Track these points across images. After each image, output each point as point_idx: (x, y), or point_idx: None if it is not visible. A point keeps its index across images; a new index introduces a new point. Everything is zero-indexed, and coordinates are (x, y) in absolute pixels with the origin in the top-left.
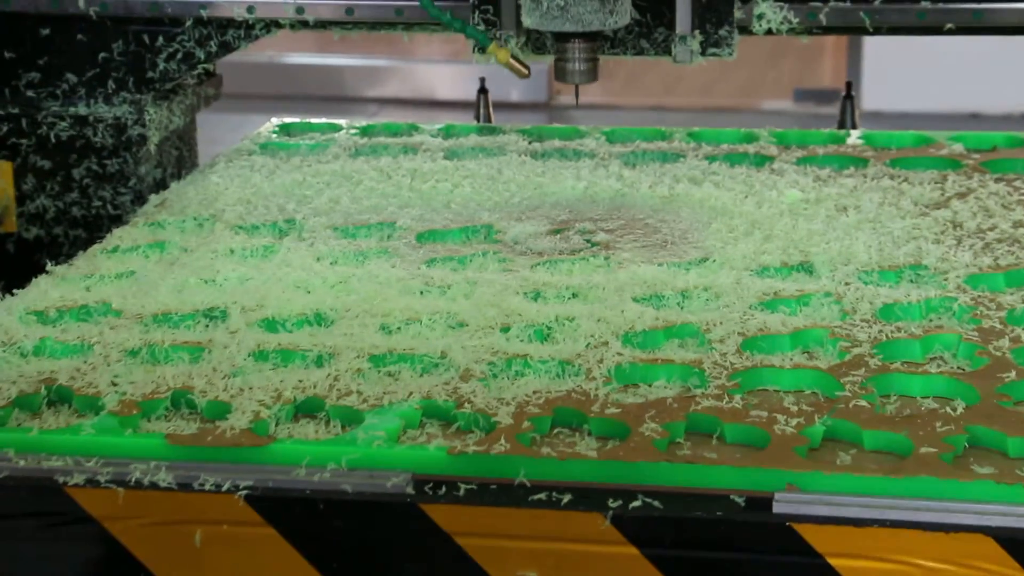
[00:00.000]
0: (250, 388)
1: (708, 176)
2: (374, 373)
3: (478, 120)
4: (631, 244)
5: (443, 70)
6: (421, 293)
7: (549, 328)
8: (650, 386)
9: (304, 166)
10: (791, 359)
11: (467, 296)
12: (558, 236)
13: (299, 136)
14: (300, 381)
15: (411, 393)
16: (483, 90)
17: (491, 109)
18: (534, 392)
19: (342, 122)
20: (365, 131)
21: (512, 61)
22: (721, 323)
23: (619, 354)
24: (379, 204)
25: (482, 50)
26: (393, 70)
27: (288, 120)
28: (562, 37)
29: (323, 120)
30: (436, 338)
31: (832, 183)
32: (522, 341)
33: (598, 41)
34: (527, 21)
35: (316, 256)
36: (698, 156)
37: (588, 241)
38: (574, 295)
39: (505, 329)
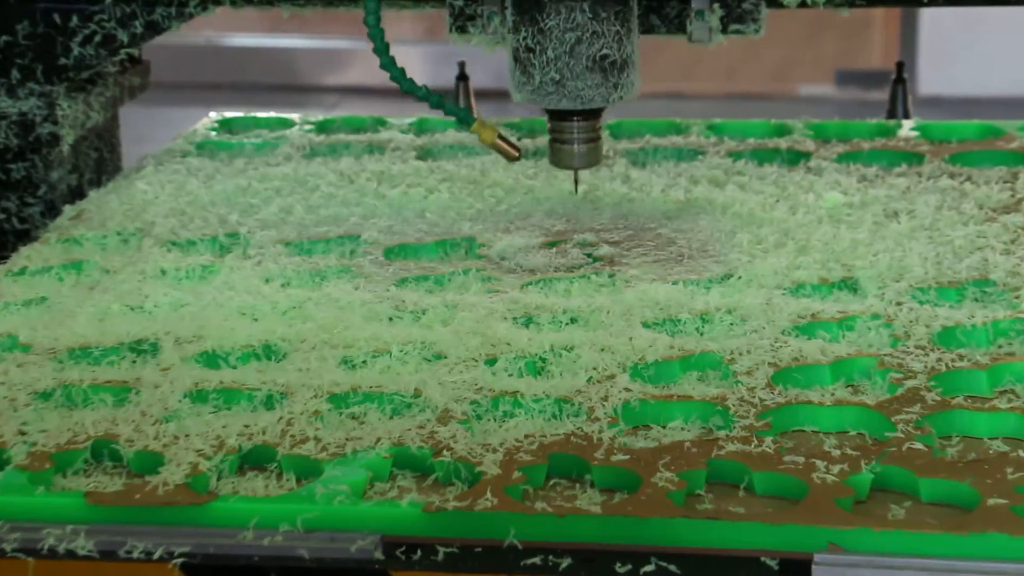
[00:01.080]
0: (186, 435)
1: (732, 177)
2: (335, 416)
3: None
4: (640, 259)
5: (415, 52)
6: (390, 320)
7: (543, 360)
8: (664, 427)
9: (249, 169)
10: (832, 394)
11: (445, 323)
12: (553, 250)
13: (243, 133)
14: (246, 426)
15: (379, 439)
16: (463, 76)
17: (473, 99)
18: (526, 436)
19: (294, 116)
20: (322, 127)
21: (499, 142)
22: (748, 352)
23: (627, 389)
24: (339, 214)
25: (467, 125)
26: (355, 53)
27: (230, 114)
28: (558, 115)
29: (272, 114)
30: (409, 373)
31: (880, 184)
32: (511, 375)
33: (600, 118)
34: (517, 97)
35: (264, 277)
36: (720, 153)
37: (589, 256)
38: (573, 320)
39: (491, 361)
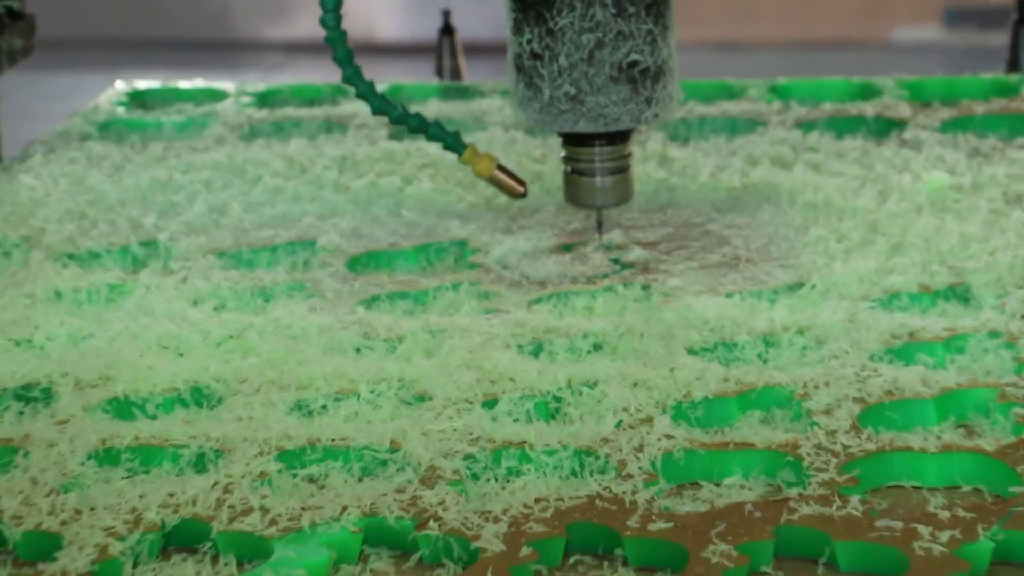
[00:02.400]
0: (92, 509)
1: (802, 155)
2: (287, 478)
3: (440, 76)
4: (683, 264)
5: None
6: (358, 351)
7: (558, 400)
8: (718, 485)
9: (170, 157)
10: (938, 437)
11: (429, 353)
12: (569, 255)
13: (161, 109)
14: (171, 495)
15: (346, 508)
16: (448, 29)
17: (461, 57)
18: (537, 500)
19: (227, 85)
20: (264, 98)
21: (499, 174)
22: (827, 384)
23: (668, 436)
24: (289, 213)
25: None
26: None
27: (143, 84)
28: (576, 139)
29: (198, 82)
30: (383, 420)
31: (998, 160)
32: (517, 421)
33: (629, 142)
34: (520, 117)
35: (192, 298)
36: (786, 123)
37: (616, 262)
38: (596, 347)
39: (490, 403)
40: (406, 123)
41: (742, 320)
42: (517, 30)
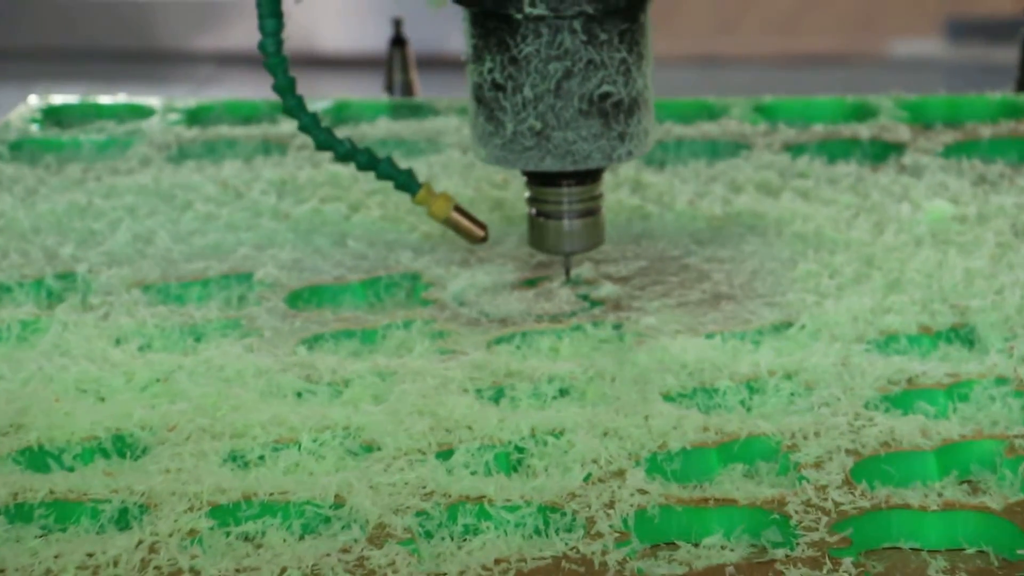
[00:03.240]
0: (1, 571)
1: (791, 181)
2: (219, 537)
3: (391, 91)
4: (659, 301)
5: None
6: (299, 396)
7: (521, 450)
8: (696, 546)
9: (90, 180)
10: (939, 494)
11: (378, 399)
12: (533, 291)
13: (79, 127)
14: (90, 555)
15: (285, 569)
16: (399, 40)
17: (413, 71)
18: (497, 562)
19: (153, 101)
20: (195, 115)
21: (456, 216)
22: (817, 434)
23: (641, 491)
24: (222, 243)
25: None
26: (239, 4)
27: (59, 99)
28: (541, 179)
29: (121, 97)
30: (326, 473)
31: (1006, 188)
32: (475, 473)
33: (600, 181)
34: (480, 155)
35: (114, 337)
36: (773, 146)
37: (585, 299)
38: (563, 392)
39: (445, 454)
40: (354, 160)
41: (724, 363)
42: (477, 58)
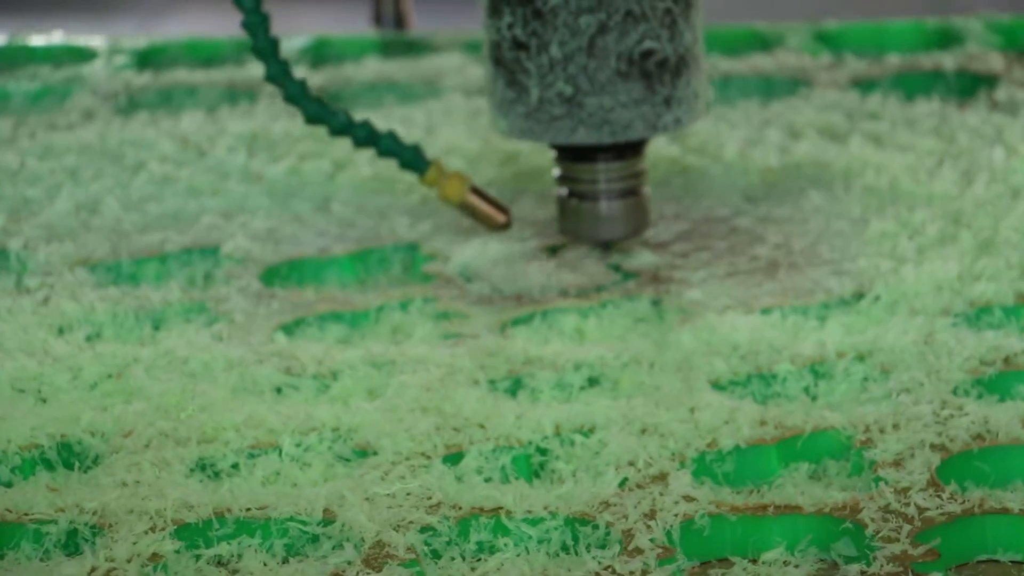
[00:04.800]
0: None
1: (859, 123)
2: (187, 561)
3: (378, 22)
4: (705, 271)
5: None
6: (278, 392)
7: (543, 452)
8: (754, 562)
9: (21, 137)
10: None
11: (373, 394)
12: (555, 260)
13: (8, 73)
14: None
15: None
16: None
17: None
18: None
19: (96, 40)
20: (146, 57)
21: (473, 199)
22: (896, 427)
23: (688, 498)
24: (183, 211)
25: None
26: None
27: None
28: (573, 153)
29: (57, 37)
30: (312, 483)
31: None
32: (489, 480)
33: (643, 155)
34: (500, 126)
35: (56, 325)
36: (838, 83)
37: (617, 269)
38: (592, 381)
39: (454, 458)
40: (351, 134)
41: (783, 344)
42: (494, 11)
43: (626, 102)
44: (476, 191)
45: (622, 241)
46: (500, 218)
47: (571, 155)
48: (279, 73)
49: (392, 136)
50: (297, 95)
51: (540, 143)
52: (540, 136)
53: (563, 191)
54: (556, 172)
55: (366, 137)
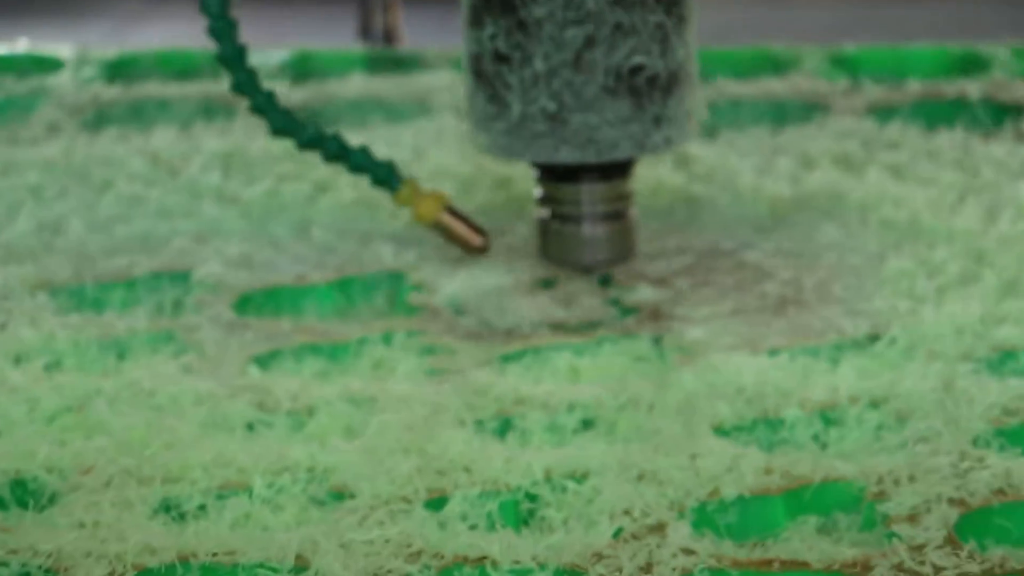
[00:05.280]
0: None
1: (878, 154)
2: None
3: (365, 36)
4: (709, 308)
5: None
6: (250, 428)
7: (533, 498)
8: None
9: None
10: None
11: (351, 433)
12: (550, 294)
13: None
14: None
15: None
16: None
17: (397, 10)
18: None
19: (63, 49)
20: (117, 68)
21: (448, 220)
22: (912, 479)
23: (687, 551)
24: (152, 233)
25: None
26: None
27: None
28: (556, 174)
29: (22, 45)
30: (285, 527)
31: None
32: (475, 528)
33: (630, 176)
34: (479, 141)
35: (13, 353)
36: (856, 109)
37: (615, 304)
38: (586, 424)
39: (437, 503)
40: (320, 148)
41: (792, 388)
42: (475, 21)
43: (613, 120)
44: (452, 211)
45: (607, 267)
46: (476, 240)
47: (554, 175)
48: (245, 82)
49: (364, 151)
50: (264, 105)
51: (521, 162)
52: (521, 154)
53: (545, 213)
54: (538, 193)
55: (336, 151)
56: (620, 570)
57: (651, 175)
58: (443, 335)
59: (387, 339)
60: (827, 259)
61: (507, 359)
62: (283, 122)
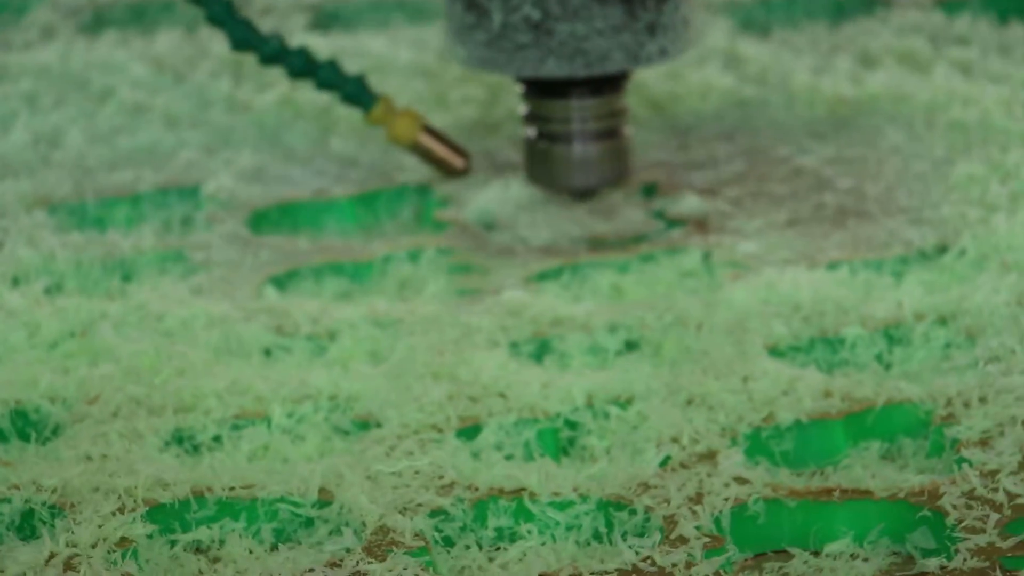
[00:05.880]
0: None
1: (945, 49)
2: (162, 547)
3: None
4: (762, 220)
5: None
6: (268, 354)
7: (573, 426)
8: (817, 555)
9: None
10: None
11: (376, 357)
12: (588, 206)
13: None
14: None
15: None
16: None
17: None
18: None
19: None
20: None
21: (426, 140)
22: (983, 400)
23: (740, 480)
24: (158, 145)
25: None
26: None
27: None
28: (542, 88)
29: None
30: (307, 459)
31: None
32: (511, 458)
33: (623, 91)
34: (459, 55)
35: (10, 275)
36: (921, 1)
37: (660, 216)
38: (630, 346)
39: (470, 432)
40: (284, 63)
41: (853, 304)
42: None
43: (603, 29)
44: (430, 131)
45: (599, 190)
46: (458, 162)
47: (540, 90)
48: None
49: (332, 65)
50: (221, 16)
51: (504, 76)
52: (503, 67)
53: (531, 132)
54: (523, 110)
55: (302, 67)
56: (668, 501)
57: (698, 76)
58: (473, 252)
59: (414, 257)
60: (890, 165)
61: (543, 277)
62: (243, 34)
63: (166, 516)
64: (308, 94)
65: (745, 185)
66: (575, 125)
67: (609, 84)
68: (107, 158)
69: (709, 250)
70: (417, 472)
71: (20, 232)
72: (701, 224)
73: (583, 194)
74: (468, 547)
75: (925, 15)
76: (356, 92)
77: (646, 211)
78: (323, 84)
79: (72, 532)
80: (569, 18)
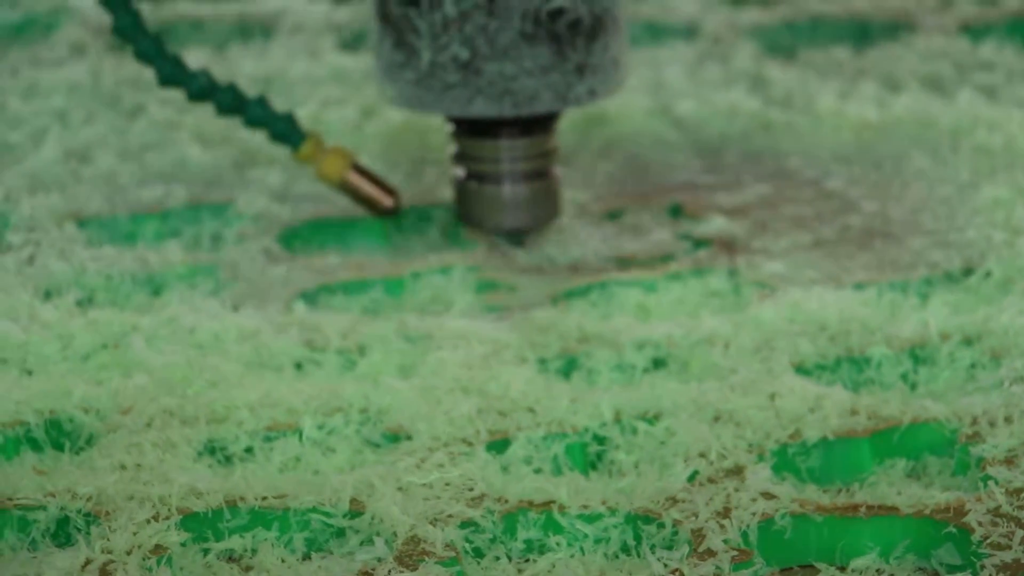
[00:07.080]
0: None
1: (970, 74)
2: (195, 555)
3: None
4: (788, 240)
5: None
6: (299, 367)
7: (601, 440)
8: (843, 569)
9: (2, 74)
10: None
11: (406, 371)
12: (616, 224)
13: None
14: None
15: None
16: None
17: None
18: None
19: None
20: None
21: (355, 179)
22: (1008, 419)
23: (768, 495)
24: (188, 161)
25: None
26: None
27: None
28: (471, 128)
29: None
30: (338, 470)
31: None
32: (539, 471)
33: (552, 132)
34: (387, 93)
35: (43, 287)
36: (947, 27)
37: (687, 237)
38: (658, 363)
39: (499, 445)
40: (213, 99)
41: (878, 324)
42: None
43: (532, 69)
44: (359, 169)
45: (530, 231)
46: (387, 201)
47: (469, 130)
48: (129, 25)
49: (262, 102)
50: (150, 52)
51: (433, 115)
52: (431, 106)
53: (460, 172)
54: (452, 149)
55: (231, 103)
56: (696, 515)
57: (724, 99)
58: (502, 270)
59: (443, 273)
60: (916, 188)
61: (571, 294)
62: (171, 70)
63: (200, 524)
64: (336, 112)
65: (771, 207)
66: (504, 165)
67: (539, 124)
68: (137, 174)
69: (735, 270)
70: (447, 484)
71: (52, 246)
72: (728, 245)
73: (512, 236)
74: (498, 558)
75: (950, 41)
76: (285, 130)
77: (673, 231)
78: (251, 122)
79: (107, 539)
80: (498, 58)
